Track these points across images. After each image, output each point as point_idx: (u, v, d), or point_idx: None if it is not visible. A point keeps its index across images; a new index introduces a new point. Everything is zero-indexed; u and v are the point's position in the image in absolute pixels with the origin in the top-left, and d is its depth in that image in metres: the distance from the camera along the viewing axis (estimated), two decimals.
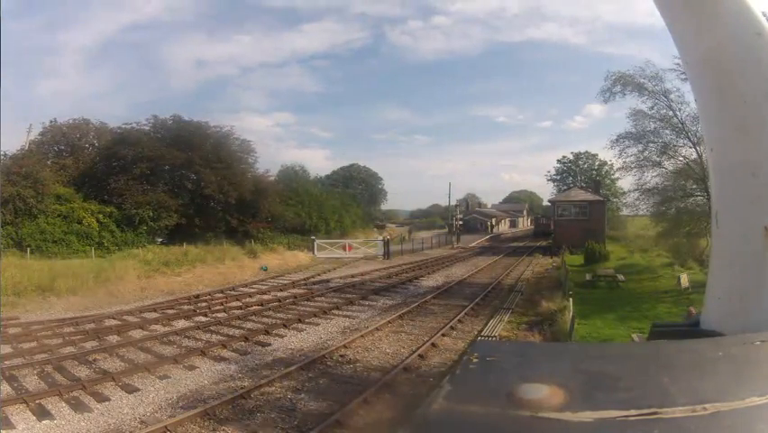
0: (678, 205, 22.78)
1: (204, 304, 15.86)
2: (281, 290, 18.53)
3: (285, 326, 12.72)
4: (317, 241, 33.02)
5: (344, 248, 33.28)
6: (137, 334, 12.09)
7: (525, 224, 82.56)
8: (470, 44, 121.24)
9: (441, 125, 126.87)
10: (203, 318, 13.74)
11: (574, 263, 28.02)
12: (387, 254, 32.28)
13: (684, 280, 16.54)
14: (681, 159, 22.39)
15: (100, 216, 26.32)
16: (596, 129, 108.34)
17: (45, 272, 17.67)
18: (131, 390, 8.24)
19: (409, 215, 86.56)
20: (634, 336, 10.19)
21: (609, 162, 53.24)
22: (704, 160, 18.39)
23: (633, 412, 0.65)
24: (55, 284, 16.87)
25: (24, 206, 23.49)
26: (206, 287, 19.80)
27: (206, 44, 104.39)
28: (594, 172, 65.47)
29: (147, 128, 31.05)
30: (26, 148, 29.14)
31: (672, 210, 23.10)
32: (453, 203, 57.38)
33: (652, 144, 23.11)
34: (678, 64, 18.61)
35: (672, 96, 21.22)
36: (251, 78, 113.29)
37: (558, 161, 73.08)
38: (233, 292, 18.45)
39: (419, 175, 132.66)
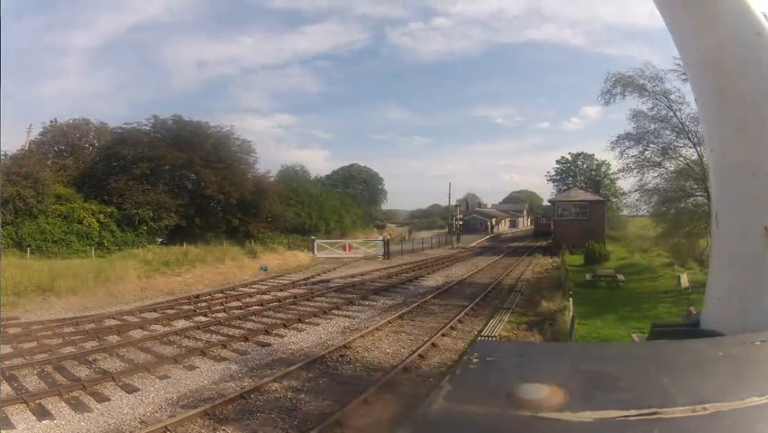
0: (678, 205, 22.78)
1: (204, 304, 15.86)
2: (281, 290, 18.53)
3: (285, 326, 12.72)
4: (317, 241, 33.02)
5: (344, 248, 33.29)
6: (137, 334, 12.08)
7: (525, 224, 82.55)
8: (471, 45, 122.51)
9: (441, 126, 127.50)
10: (203, 318, 13.74)
11: (574, 263, 28.02)
12: (387, 254, 32.28)
13: (684, 280, 16.55)
14: (681, 159, 22.41)
15: (101, 216, 26.33)
16: (593, 130, 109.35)
17: (45, 272, 17.67)
18: (131, 390, 8.24)
19: (409, 215, 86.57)
20: (634, 336, 10.20)
21: (607, 162, 53.37)
22: (704, 160, 18.39)
23: (633, 412, 0.65)
24: (55, 284, 16.87)
25: (24, 206, 23.50)
26: (206, 287, 19.79)
27: (208, 45, 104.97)
28: (594, 172, 65.50)
29: (147, 128, 31.06)
30: (26, 148, 29.17)
31: (672, 210, 23.10)
32: (453, 203, 57.39)
33: (652, 145, 23.13)
34: (678, 64, 18.63)
35: (672, 97, 21.25)
36: (252, 78, 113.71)
37: (557, 161, 73.21)
38: (233, 292, 18.45)
39: (419, 175, 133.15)
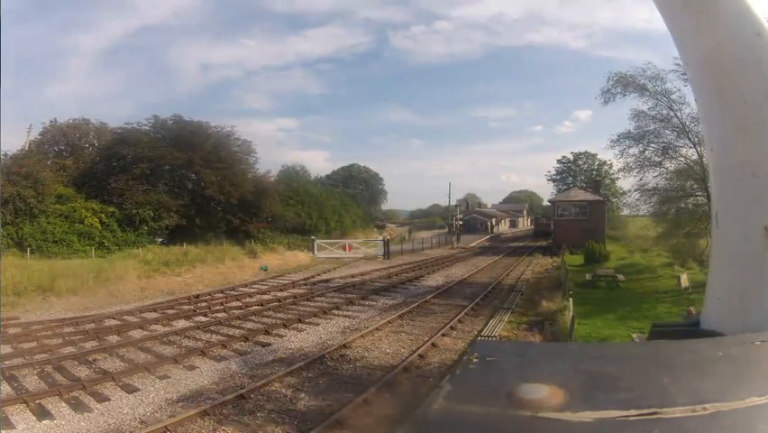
0: (678, 205, 22.78)
1: (204, 304, 15.86)
2: (281, 290, 18.53)
3: (285, 326, 12.72)
4: (317, 241, 33.02)
5: (344, 248, 33.29)
6: (137, 334, 12.08)
7: (525, 224, 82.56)
8: (471, 48, 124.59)
9: (441, 127, 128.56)
10: (203, 318, 13.74)
11: (574, 263, 28.02)
12: (387, 254, 32.28)
13: (684, 280, 16.55)
14: (681, 159, 22.42)
15: (102, 215, 26.33)
16: (592, 130, 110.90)
17: (45, 272, 17.67)
18: (131, 390, 8.24)
19: (409, 215, 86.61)
20: (634, 336, 10.20)
21: (609, 162, 53.38)
22: (704, 160, 18.40)
23: (633, 412, 0.65)
24: (55, 284, 16.87)
25: (25, 206, 23.49)
26: (206, 287, 19.80)
27: (212, 48, 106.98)
28: (594, 172, 65.50)
29: (147, 128, 31.06)
30: (26, 148, 29.18)
31: (673, 210, 23.10)
32: (453, 203, 57.44)
33: (652, 145, 23.13)
34: (678, 65, 18.62)
35: (673, 97, 21.24)
36: (255, 80, 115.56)
37: (558, 160, 73.19)
38: (233, 292, 18.45)
39: (419, 175, 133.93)
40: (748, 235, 1.39)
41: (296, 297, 17.02)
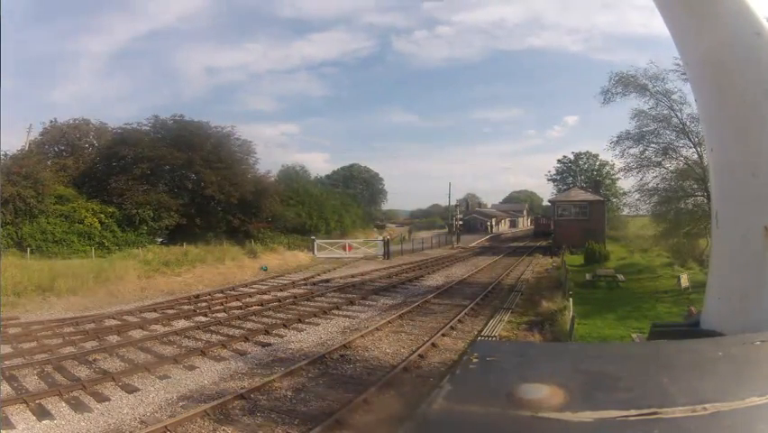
0: (678, 205, 22.78)
1: (204, 304, 15.86)
2: (281, 290, 18.53)
3: (285, 326, 12.72)
4: (317, 241, 33.02)
5: (344, 248, 33.29)
6: (137, 334, 12.08)
7: (525, 224, 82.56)
8: (473, 52, 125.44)
9: (442, 128, 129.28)
10: (203, 318, 13.73)
11: (574, 263, 28.03)
12: (387, 254, 32.28)
13: (684, 280, 16.55)
14: (681, 159, 22.41)
15: (102, 216, 26.33)
16: (590, 132, 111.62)
17: (45, 272, 17.67)
18: (131, 390, 8.24)
19: (409, 215, 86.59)
20: (634, 336, 10.20)
21: (609, 162, 53.37)
22: (704, 160, 18.40)
23: (633, 412, 0.65)
24: (55, 284, 16.87)
25: (24, 206, 23.49)
26: (206, 287, 19.79)
27: (218, 52, 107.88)
28: (594, 172, 65.50)
29: (147, 128, 31.07)
30: (26, 148, 29.17)
31: (672, 210, 23.09)
32: (453, 203, 57.44)
33: (653, 145, 23.13)
34: (679, 64, 18.62)
35: (673, 97, 21.24)
36: (259, 83, 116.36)
37: (559, 160, 73.18)
38: (233, 292, 18.45)
39: (419, 175, 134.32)
40: (748, 235, 1.39)
41: (296, 297, 17.01)
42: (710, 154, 1.63)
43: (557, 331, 11.41)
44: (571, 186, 57.76)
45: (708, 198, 14.46)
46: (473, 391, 0.78)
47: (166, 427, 6.69)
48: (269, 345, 11.16)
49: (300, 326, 12.87)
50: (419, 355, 10.06)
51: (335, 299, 16.59)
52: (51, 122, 31.84)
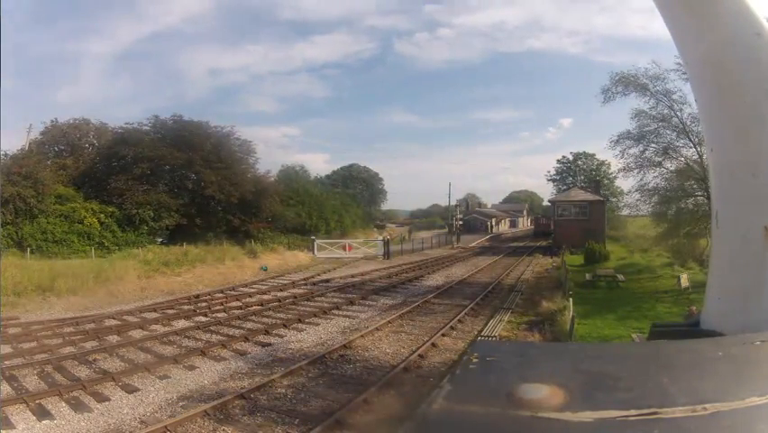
0: (678, 205, 22.78)
1: (204, 304, 15.86)
2: (281, 290, 18.53)
3: (285, 326, 12.72)
4: (317, 241, 33.02)
5: (344, 248, 33.29)
6: (137, 334, 12.08)
7: (525, 224, 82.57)
8: (473, 54, 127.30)
9: (442, 129, 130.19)
10: (203, 318, 13.73)
11: (574, 263, 28.02)
12: (387, 254, 32.28)
13: (684, 280, 16.55)
14: (681, 159, 22.41)
15: (102, 215, 26.34)
16: (589, 132, 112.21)
17: (45, 272, 17.66)
18: (131, 390, 8.24)
19: (409, 215, 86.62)
20: (634, 336, 10.20)
21: (608, 162, 53.44)
22: (704, 160, 18.39)
23: (633, 412, 0.65)
24: (55, 284, 16.87)
25: (24, 206, 23.49)
26: (206, 287, 19.79)
27: (220, 53, 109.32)
28: (594, 172, 65.52)
29: (147, 128, 31.06)
30: (26, 148, 29.17)
31: (673, 210, 23.09)
32: (453, 203, 57.43)
33: (653, 145, 23.12)
34: (679, 64, 18.62)
35: (673, 97, 21.23)
36: (261, 84, 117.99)
37: (558, 160, 73.23)
38: (233, 292, 18.45)
39: (419, 176, 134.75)
40: (748, 235, 1.39)
41: (296, 297, 17.01)
42: (710, 154, 1.63)
43: (557, 331, 11.41)
44: (570, 186, 57.79)
45: (708, 198, 14.45)
46: (473, 391, 0.78)
47: (166, 427, 6.69)
48: (269, 345, 11.16)
49: (300, 326, 12.87)
50: (419, 355, 10.06)
51: (335, 299, 16.59)
52: (52, 121, 31.91)
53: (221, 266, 23.98)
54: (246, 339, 11.44)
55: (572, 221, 40.93)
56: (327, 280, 21.34)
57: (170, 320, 13.47)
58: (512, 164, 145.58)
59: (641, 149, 23.42)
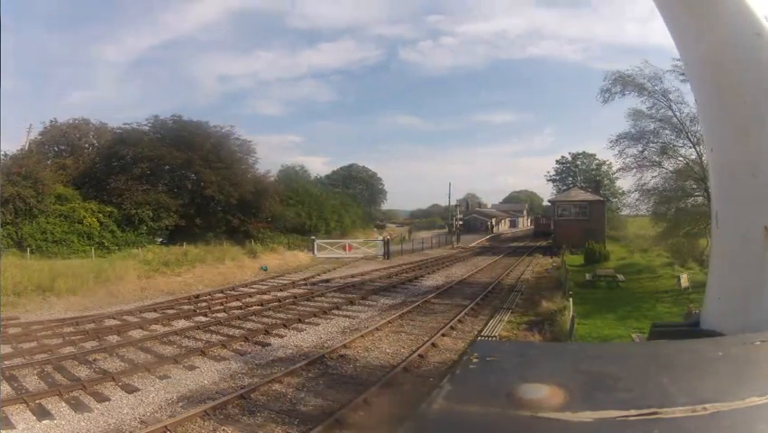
0: (678, 205, 22.77)
1: (204, 304, 15.85)
2: (281, 290, 18.53)
3: (285, 326, 12.72)
4: (317, 241, 33.02)
5: (344, 248, 33.28)
6: (137, 334, 12.08)
7: (525, 224, 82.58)
8: (475, 60, 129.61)
9: (443, 131, 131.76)
10: (203, 318, 13.73)
11: (574, 263, 28.02)
12: (387, 254, 32.28)
13: (684, 280, 16.55)
14: (680, 159, 22.41)
15: (101, 215, 26.33)
16: (588, 132, 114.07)
17: (45, 272, 17.66)
18: (131, 390, 8.23)
19: (409, 215, 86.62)
20: (634, 336, 10.19)
21: (608, 162, 53.46)
22: (704, 160, 18.39)
23: (633, 412, 0.65)
24: (55, 284, 16.86)
25: (24, 206, 23.49)
26: (206, 287, 19.79)
27: (230, 60, 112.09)
28: (594, 172, 65.52)
29: (147, 128, 31.06)
30: (26, 148, 29.17)
31: (672, 210, 23.09)
32: (453, 203, 57.41)
33: (651, 144, 23.12)
34: (677, 64, 18.64)
35: (671, 96, 21.24)
36: (268, 89, 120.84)
37: (557, 161, 73.25)
38: (232, 292, 18.45)
39: (420, 176, 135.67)
40: (748, 235, 1.39)
41: (296, 297, 17.01)
42: (710, 154, 1.63)
43: (557, 331, 11.40)
44: (570, 186, 57.79)
45: (708, 198, 14.46)
46: (473, 391, 0.78)
47: (166, 427, 6.69)
48: (269, 344, 11.16)
49: (300, 326, 12.87)
50: (419, 355, 10.06)
51: (335, 299, 16.59)
52: (51, 122, 31.90)
53: (221, 266, 23.98)
54: (246, 339, 11.44)
55: (572, 221, 40.93)
56: (327, 281, 21.34)
57: (170, 320, 13.46)
58: (512, 165, 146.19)
59: (640, 149, 23.45)
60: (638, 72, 21.85)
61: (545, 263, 29.43)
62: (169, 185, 30.62)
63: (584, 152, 70.19)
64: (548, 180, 73.40)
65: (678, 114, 21.27)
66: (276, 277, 22.86)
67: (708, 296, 1.57)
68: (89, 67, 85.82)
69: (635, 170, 23.70)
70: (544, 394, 0.70)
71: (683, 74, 15.30)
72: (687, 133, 21.09)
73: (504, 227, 75.27)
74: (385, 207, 77.10)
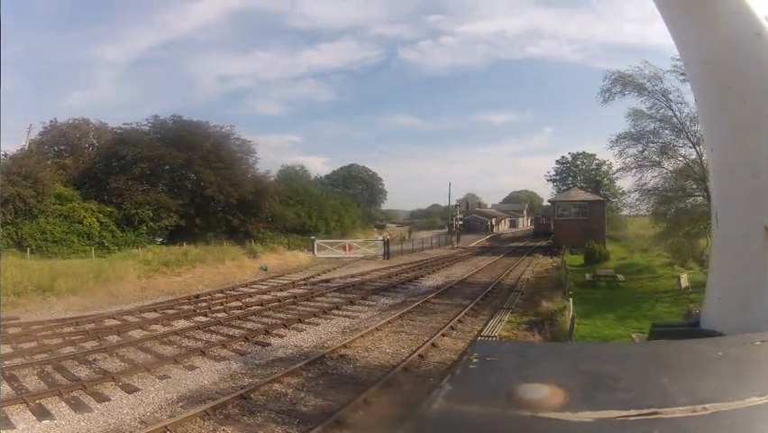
0: (678, 205, 22.77)
1: (204, 304, 15.86)
2: (281, 290, 18.53)
3: (285, 326, 12.72)
4: (317, 241, 33.01)
5: (344, 248, 33.28)
6: (137, 334, 12.08)
7: (525, 224, 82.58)
8: (475, 60, 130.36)
9: (443, 131, 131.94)
10: (203, 318, 13.73)
11: (574, 263, 28.02)
12: (387, 254, 32.27)
13: (684, 280, 16.55)
14: (680, 159, 22.40)
15: (101, 215, 26.33)
16: (587, 133, 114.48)
17: (45, 272, 17.66)
18: (131, 390, 8.24)
19: (409, 215, 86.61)
20: (634, 336, 10.19)
21: (608, 162, 53.46)
22: (704, 160, 18.39)
23: (633, 412, 0.65)
24: (55, 284, 16.86)
25: (24, 206, 23.49)
26: (206, 287, 19.79)
27: (230, 60, 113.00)
28: (593, 172, 65.52)
29: (147, 128, 31.06)
30: (26, 148, 29.17)
31: (672, 210, 23.08)
32: (453, 203, 57.40)
33: (651, 144, 23.11)
34: (676, 65, 18.64)
35: (671, 96, 21.23)
36: (268, 89, 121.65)
37: (557, 161, 73.22)
38: (232, 292, 18.45)
39: (420, 176, 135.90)
40: (748, 235, 1.39)
41: (296, 297, 17.01)
42: (710, 154, 1.63)
43: (557, 331, 11.41)
44: (570, 186, 57.78)
45: (708, 198, 14.45)
46: (473, 391, 0.78)
47: (166, 427, 6.69)
48: (269, 344, 11.16)
49: (300, 326, 12.87)
50: (419, 355, 10.06)
51: (335, 299, 16.59)
52: (51, 122, 31.89)
53: (221, 266, 23.98)
54: (246, 339, 11.44)
55: (572, 221, 40.92)
56: (327, 281, 21.34)
57: (170, 320, 13.47)
58: (512, 165, 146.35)
59: (640, 148, 23.44)
60: (638, 72, 21.87)
61: (545, 263, 29.43)
62: (169, 185, 30.61)
63: (584, 152, 70.25)
64: (548, 180, 73.44)
65: (678, 114, 21.29)
66: (276, 277, 22.86)
67: (708, 296, 1.57)
68: (90, 67, 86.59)
69: (635, 169, 23.72)
70: (544, 394, 0.70)
71: (683, 74, 15.29)
72: (687, 132, 21.09)
73: (504, 227, 75.27)
74: (385, 207, 77.22)
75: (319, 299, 16.87)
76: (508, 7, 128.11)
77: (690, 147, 21.26)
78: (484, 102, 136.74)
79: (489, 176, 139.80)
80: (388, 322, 13.01)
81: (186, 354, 10.11)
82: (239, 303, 15.93)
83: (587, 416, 0.65)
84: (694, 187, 21.46)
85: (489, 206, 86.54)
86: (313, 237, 33.69)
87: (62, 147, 32.09)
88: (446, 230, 53.73)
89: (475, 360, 0.86)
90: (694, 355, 0.96)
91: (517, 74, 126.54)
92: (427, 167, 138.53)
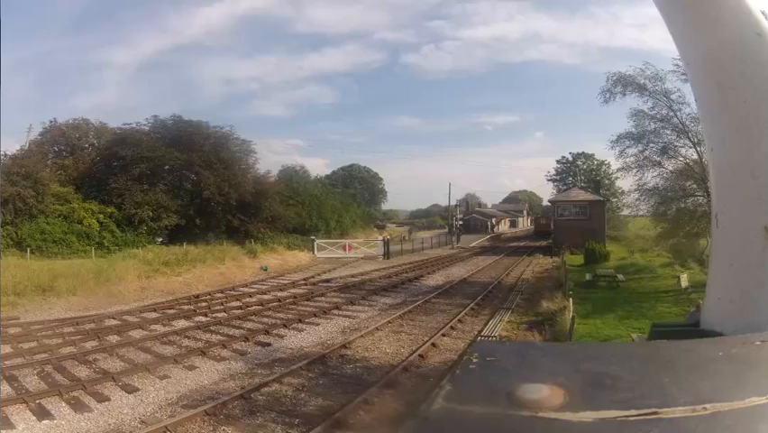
0: (678, 205, 22.76)
1: (204, 304, 15.86)
2: (281, 290, 18.53)
3: (285, 326, 12.72)
4: (317, 241, 33.01)
5: (344, 248, 33.28)
6: (137, 334, 12.08)
7: (525, 224, 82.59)
8: (475, 63, 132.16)
9: (444, 131, 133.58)
10: (203, 318, 13.73)
11: (574, 263, 28.02)
12: (387, 254, 32.27)
13: (684, 280, 16.55)
14: (681, 159, 22.40)
15: (100, 216, 26.34)
16: (586, 133, 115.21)
17: (45, 272, 17.65)
18: (131, 390, 8.24)
19: (409, 215, 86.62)
20: (634, 336, 10.20)
21: (607, 162, 53.49)
22: (704, 160, 18.38)
23: (633, 412, 0.65)
24: (55, 284, 16.85)
25: (24, 206, 23.49)
26: (206, 287, 19.78)
27: (236, 63, 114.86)
28: (594, 172, 65.47)
29: (146, 128, 31.05)
30: (26, 148, 29.18)
31: (672, 210, 23.08)
32: (453, 203, 57.34)
33: (652, 144, 23.10)
34: (678, 65, 18.63)
35: (672, 97, 21.22)
36: (272, 92, 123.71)
37: (558, 161, 73.14)
38: (233, 292, 18.45)
39: (421, 176, 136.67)
40: (748, 235, 1.39)
41: (296, 297, 17.01)
42: (710, 154, 1.62)
43: (557, 331, 11.41)
44: (570, 186, 57.73)
45: (708, 198, 14.45)
46: (473, 391, 0.78)
47: (166, 427, 6.69)
48: (269, 344, 11.16)
49: (300, 326, 12.87)
50: (419, 355, 10.06)
51: (335, 299, 16.58)
52: (51, 122, 31.90)
53: (221, 266, 23.96)
54: (246, 339, 11.44)
55: (572, 221, 40.88)
56: (327, 280, 21.34)
57: (170, 320, 13.46)
58: (512, 166, 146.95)
59: (640, 148, 23.43)
60: (639, 73, 21.86)
61: (545, 263, 29.44)
62: (168, 185, 30.61)
63: (584, 152, 70.16)
64: (548, 180, 73.19)
65: (678, 114, 21.28)
66: (276, 277, 22.86)
67: (708, 296, 1.57)
68: (98, 70, 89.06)
69: (635, 170, 23.71)
70: (544, 394, 0.70)
71: (684, 74, 15.28)
72: (688, 133, 21.08)
73: (504, 227, 75.27)
74: (385, 207, 77.16)
75: (319, 299, 16.87)
76: (509, 12, 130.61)
77: (691, 147, 21.27)
78: (484, 104, 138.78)
79: (488, 176, 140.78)
80: (389, 322, 13.02)
81: (186, 354, 10.11)
82: (239, 303, 15.93)
83: (587, 416, 0.65)
84: (694, 187, 21.46)
85: (489, 206, 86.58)
86: (313, 237, 33.68)
87: (62, 147, 32.09)
88: (446, 230, 53.70)
89: (475, 360, 0.86)
90: (694, 356, 0.96)
91: (517, 77, 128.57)
92: (427, 167, 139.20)
